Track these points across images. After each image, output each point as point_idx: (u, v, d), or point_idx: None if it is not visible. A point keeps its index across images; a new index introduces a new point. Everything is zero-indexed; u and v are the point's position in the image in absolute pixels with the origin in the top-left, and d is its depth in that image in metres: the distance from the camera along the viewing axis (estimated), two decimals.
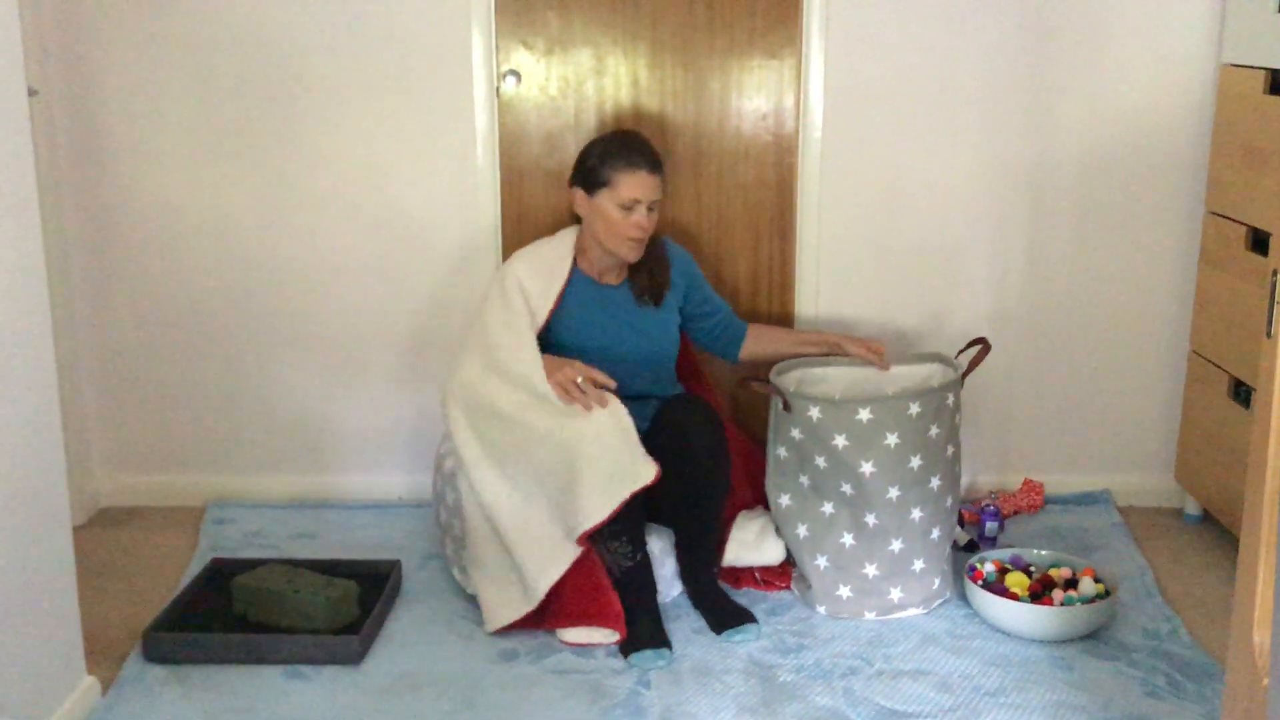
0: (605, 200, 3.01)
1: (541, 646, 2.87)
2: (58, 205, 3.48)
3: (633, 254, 3.07)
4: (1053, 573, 3.05)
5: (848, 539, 3.00)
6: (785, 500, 3.06)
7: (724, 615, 2.96)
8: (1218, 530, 3.48)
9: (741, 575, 3.15)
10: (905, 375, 3.21)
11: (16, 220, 2.33)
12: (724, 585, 3.10)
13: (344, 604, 2.89)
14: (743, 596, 3.11)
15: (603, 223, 3.03)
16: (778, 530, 3.11)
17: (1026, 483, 3.67)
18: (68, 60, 3.45)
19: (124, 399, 3.67)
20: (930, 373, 3.20)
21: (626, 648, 2.84)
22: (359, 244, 3.58)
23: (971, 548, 3.36)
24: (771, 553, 3.10)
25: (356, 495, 3.72)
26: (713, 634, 2.94)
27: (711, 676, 2.76)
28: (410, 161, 3.53)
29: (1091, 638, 2.91)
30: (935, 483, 2.98)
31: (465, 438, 3.00)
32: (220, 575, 3.10)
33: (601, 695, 2.68)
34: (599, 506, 2.81)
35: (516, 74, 3.49)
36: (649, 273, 3.15)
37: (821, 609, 3.04)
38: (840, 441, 2.92)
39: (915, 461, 2.94)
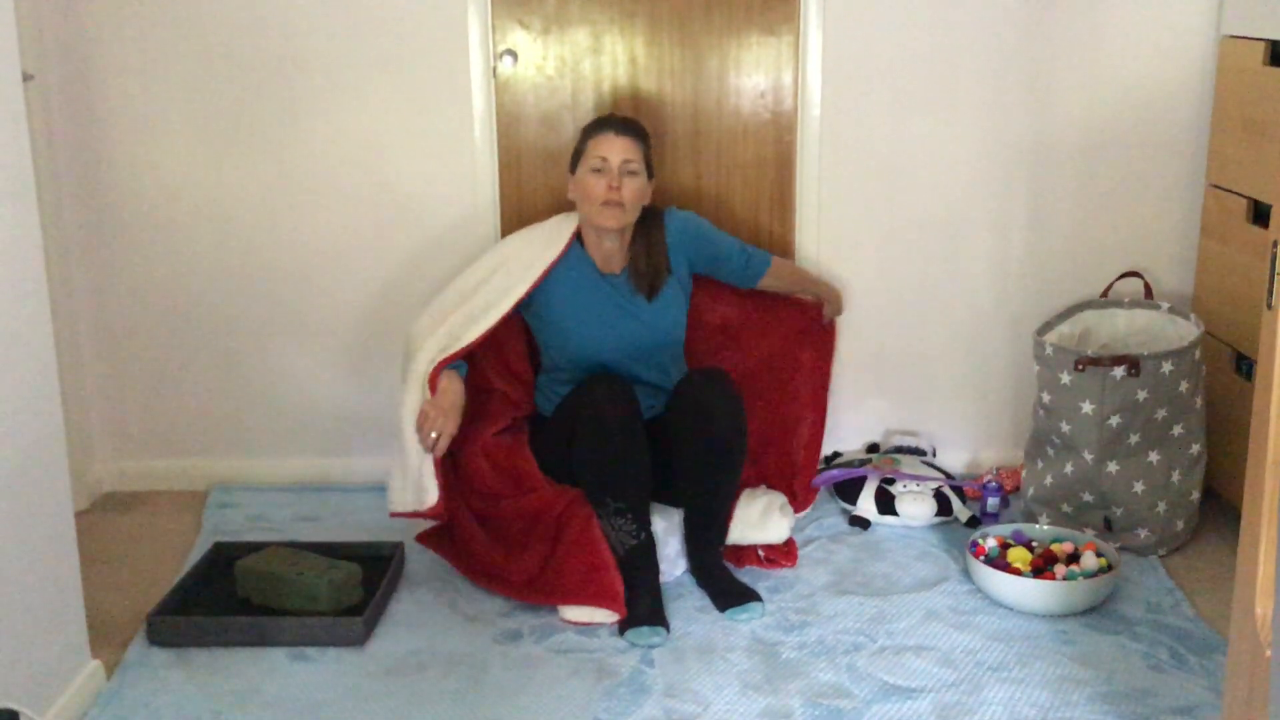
0: (581, 170, 3.04)
1: (545, 626, 2.88)
2: (56, 190, 3.47)
3: (610, 219, 3.04)
4: (1055, 547, 3.05)
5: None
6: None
7: (728, 593, 2.96)
8: (1219, 503, 3.48)
9: (745, 553, 3.15)
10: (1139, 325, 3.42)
11: (14, 205, 2.33)
12: (727, 564, 3.10)
13: (347, 586, 2.90)
14: (746, 575, 3.11)
15: (581, 194, 3.06)
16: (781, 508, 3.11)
17: None
18: (64, 44, 3.43)
19: (125, 384, 3.67)
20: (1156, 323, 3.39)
21: (624, 625, 2.84)
22: (358, 226, 3.57)
23: (974, 523, 3.36)
24: (775, 531, 3.10)
25: (359, 478, 3.72)
26: (716, 612, 2.94)
27: (715, 654, 2.77)
28: (408, 143, 3.51)
29: (1094, 612, 2.92)
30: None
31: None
32: (223, 559, 3.11)
33: (606, 674, 2.69)
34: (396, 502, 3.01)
35: (513, 54, 3.48)
36: (646, 256, 3.14)
37: None
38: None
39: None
